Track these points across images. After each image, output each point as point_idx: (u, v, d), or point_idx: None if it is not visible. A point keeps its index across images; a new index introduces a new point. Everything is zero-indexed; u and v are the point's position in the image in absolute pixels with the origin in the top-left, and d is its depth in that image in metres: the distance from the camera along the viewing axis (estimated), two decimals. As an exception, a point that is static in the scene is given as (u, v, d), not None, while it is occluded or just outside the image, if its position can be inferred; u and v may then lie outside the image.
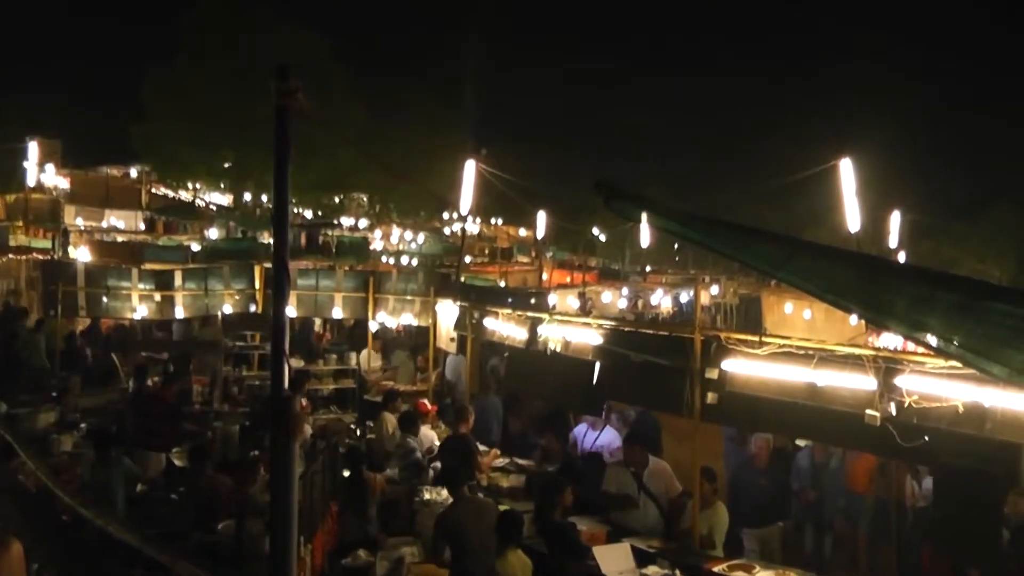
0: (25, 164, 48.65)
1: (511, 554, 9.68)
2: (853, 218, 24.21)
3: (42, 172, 52.37)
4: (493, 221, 71.49)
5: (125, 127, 54.78)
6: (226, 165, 56.62)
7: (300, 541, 7.68)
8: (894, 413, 9.46)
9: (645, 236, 38.50)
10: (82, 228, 49.59)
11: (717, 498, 12.36)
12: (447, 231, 68.80)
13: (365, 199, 70.50)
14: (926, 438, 9.24)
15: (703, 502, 12.12)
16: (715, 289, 38.38)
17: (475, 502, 10.99)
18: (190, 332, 25.80)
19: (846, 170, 23.82)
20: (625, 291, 41.24)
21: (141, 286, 23.39)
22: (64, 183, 55.52)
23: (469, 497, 11.06)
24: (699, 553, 11.53)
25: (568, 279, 49.05)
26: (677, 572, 10.76)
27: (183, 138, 51.62)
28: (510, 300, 23.12)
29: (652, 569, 11.06)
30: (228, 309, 23.12)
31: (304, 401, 15.84)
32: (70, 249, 39.70)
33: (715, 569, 10.70)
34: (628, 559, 11.28)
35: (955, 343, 6.11)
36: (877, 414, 9.51)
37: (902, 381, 9.38)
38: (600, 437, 15.41)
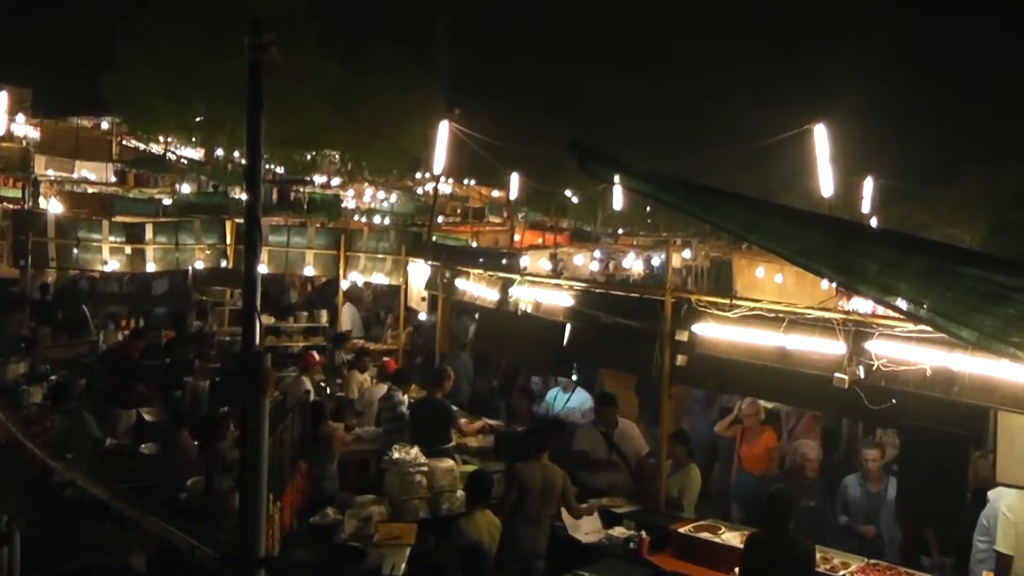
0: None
1: (478, 514, 9.73)
2: (826, 183, 24.35)
3: (12, 121, 52.11)
4: (466, 181, 71.34)
5: (96, 78, 54.46)
6: (197, 119, 56.28)
7: (269, 499, 7.67)
8: (862, 376, 9.55)
9: (618, 198, 38.48)
10: (52, 178, 49.36)
11: (690, 461, 12.43)
12: (419, 191, 68.67)
13: (337, 156, 70.19)
14: (893, 401, 9.35)
15: (675, 465, 12.21)
16: (687, 252, 38.43)
17: (544, 467, 10.98)
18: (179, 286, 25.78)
19: (820, 135, 23.97)
20: (597, 253, 41.26)
21: (112, 238, 23.18)
22: (34, 133, 55.17)
23: (541, 462, 11.03)
24: (665, 514, 11.60)
25: (540, 240, 48.93)
26: (643, 533, 10.80)
27: (154, 90, 51.27)
28: (481, 260, 23.15)
29: (618, 530, 11.14)
30: (199, 264, 23.01)
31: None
32: (40, 199, 39.53)
33: (681, 530, 10.76)
34: (595, 520, 11.36)
35: (925, 307, 6.13)
36: (845, 377, 9.60)
37: (871, 345, 9.46)
38: (571, 399, 15.43)
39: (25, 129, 54.14)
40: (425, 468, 11.59)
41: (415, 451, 11.91)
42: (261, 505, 6.43)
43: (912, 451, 9.70)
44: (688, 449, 12.37)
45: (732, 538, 10.32)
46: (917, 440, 9.42)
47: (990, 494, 10.13)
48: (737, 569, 9.41)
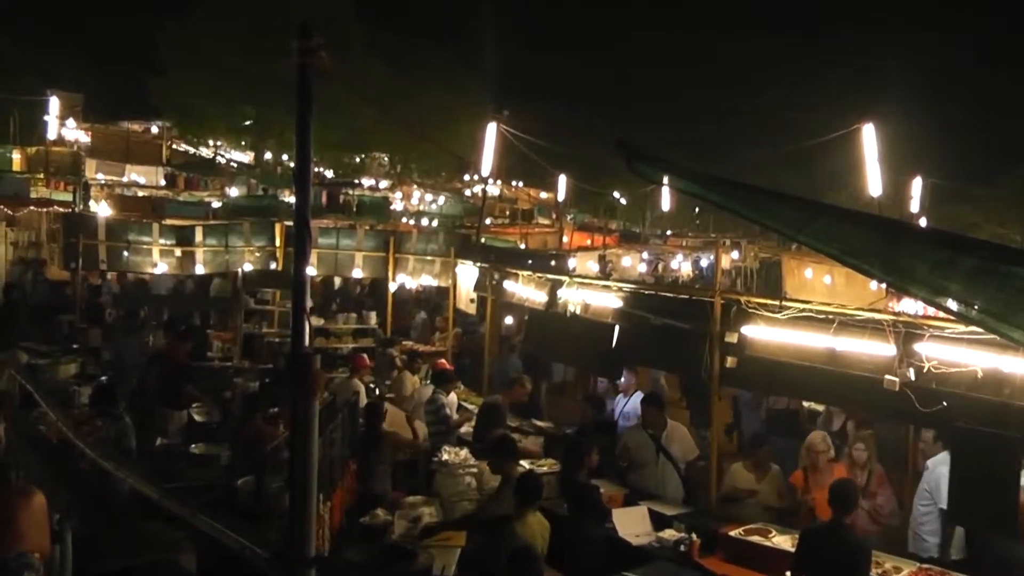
0: (46, 118, 48.91)
1: (530, 516, 9.63)
2: (875, 183, 24.27)
3: (63, 126, 52.60)
4: (514, 183, 71.34)
5: (145, 82, 54.92)
6: (246, 123, 56.63)
7: (319, 499, 7.69)
8: (913, 378, 9.46)
9: (666, 199, 38.30)
10: (103, 182, 49.74)
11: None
12: (467, 192, 68.68)
13: (386, 159, 70.41)
14: (944, 403, 9.24)
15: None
16: (735, 253, 38.32)
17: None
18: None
19: (868, 135, 23.89)
20: (645, 255, 41.11)
21: (162, 241, 23.30)
22: (85, 137, 55.61)
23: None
24: (716, 516, 11.54)
25: (588, 242, 48.73)
26: (693, 535, 10.74)
27: (202, 93, 51.67)
28: (530, 262, 23.06)
29: (668, 532, 11.02)
30: (248, 266, 23.02)
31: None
32: (91, 203, 39.83)
33: (731, 533, 10.66)
34: (645, 522, 11.26)
35: (976, 308, 6.06)
36: (896, 379, 9.52)
37: (921, 347, 9.38)
38: (629, 403, 15.35)
39: (76, 134, 54.60)
40: (475, 469, 11.59)
41: (464, 452, 11.92)
42: (311, 505, 6.45)
43: (963, 454, 9.57)
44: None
45: (783, 542, 10.15)
46: (968, 443, 9.30)
47: (929, 462, 11.12)
48: (788, 573, 9.36)
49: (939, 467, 10.78)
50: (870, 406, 11.20)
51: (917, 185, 37.34)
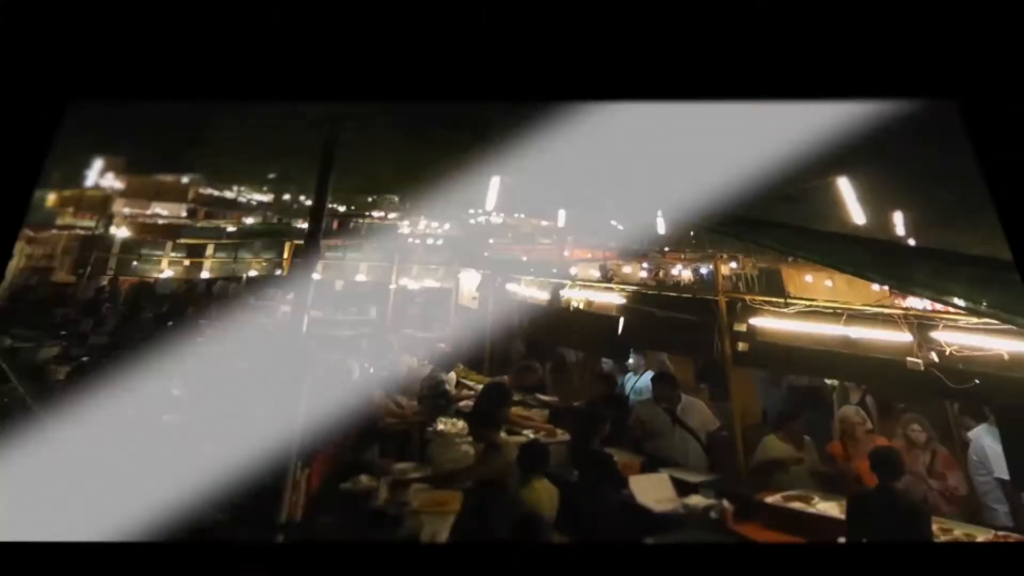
0: (87, 172, 49.27)
1: (536, 482, 8.43)
2: (857, 215, 24.17)
3: (101, 178, 53.11)
4: (516, 215, 71.46)
5: (183, 144, 55.13)
6: (270, 176, 56.90)
7: (296, 464, 6.62)
8: (937, 360, 8.54)
9: (661, 222, 37.55)
10: (127, 214, 49.84)
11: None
12: (471, 221, 68.88)
13: (396, 200, 70.84)
14: (976, 381, 8.33)
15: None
16: (733, 264, 37.71)
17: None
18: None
19: (843, 186, 23.90)
20: (646, 264, 40.74)
21: (173, 255, 23.16)
22: (119, 184, 56.13)
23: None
24: (749, 483, 9.96)
25: (588, 256, 48.56)
26: (724, 501, 9.14)
27: (232, 153, 51.90)
28: (532, 270, 22.48)
29: (695, 498, 9.27)
30: (253, 273, 22.72)
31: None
32: (112, 228, 39.70)
33: (768, 500, 9.01)
34: (668, 488, 9.69)
35: (984, 304, 5.27)
36: (919, 360, 8.61)
37: (938, 335, 8.62)
38: (640, 380, 14.22)
39: (111, 182, 54.97)
40: (471, 439, 10.48)
41: (461, 423, 10.81)
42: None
43: (1010, 425, 8.49)
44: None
45: (829, 508, 8.66)
46: (1014, 419, 8.31)
47: (970, 434, 9.90)
48: (842, 539, 8.09)
49: (982, 438, 9.56)
50: (899, 385, 10.03)
51: (898, 216, 37.01)
